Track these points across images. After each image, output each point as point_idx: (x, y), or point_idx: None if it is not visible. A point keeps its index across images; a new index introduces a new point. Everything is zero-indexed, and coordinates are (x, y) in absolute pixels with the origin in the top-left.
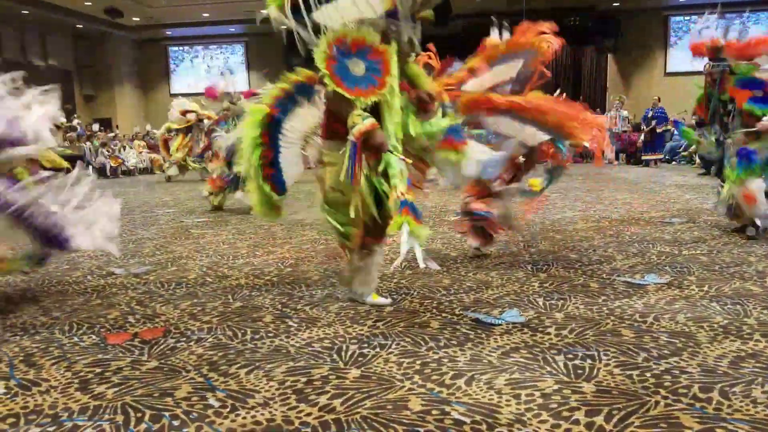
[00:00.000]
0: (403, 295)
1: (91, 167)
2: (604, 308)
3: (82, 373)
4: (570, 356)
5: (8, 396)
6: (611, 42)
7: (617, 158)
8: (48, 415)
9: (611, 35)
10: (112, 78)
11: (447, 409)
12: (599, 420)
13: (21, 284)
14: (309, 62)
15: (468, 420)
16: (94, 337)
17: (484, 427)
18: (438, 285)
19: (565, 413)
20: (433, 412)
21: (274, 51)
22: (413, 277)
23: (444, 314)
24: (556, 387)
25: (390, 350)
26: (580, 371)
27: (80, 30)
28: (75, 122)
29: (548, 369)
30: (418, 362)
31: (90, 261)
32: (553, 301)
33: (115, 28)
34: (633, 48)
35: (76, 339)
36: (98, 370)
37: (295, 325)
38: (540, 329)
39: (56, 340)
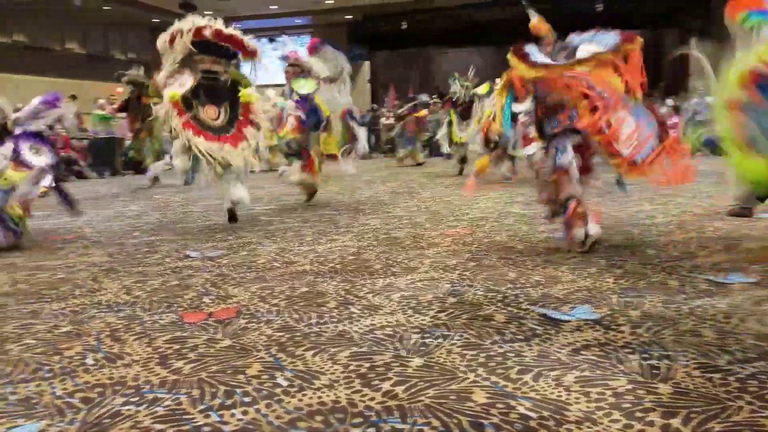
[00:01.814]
0: (467, 287)
1: (168, 156)
2: (684, 307)
3: (161, 349)
4: (645, 356)
5: (96, 367)
6: (698, 23)
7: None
8: (131, 386)
9: (699, 15)
10: None
11: (512, 403)
12: (676, 422)
13: (106, 265)
14: (370, 54)
15: (534, 415)
16: (172, 315)
17: (551, 423)
18: (503, 278)
19: (639, 414)
20: (498, 405)
21: (338, 42)
22: (476, 268)
23: (510, 308)
24: (629, 386)
25: (453, 341)
26: (655, 371)
27: (157, 24)
28: None
29: (621, 368)
30: (482, 355)
31: (168, 244)
32: (628, 299)
33: None
34: (724, 29)
35: (156, 317)
36: (176, 346)
37: (358, 311)
38: (613, 327)
39: (138, 317)
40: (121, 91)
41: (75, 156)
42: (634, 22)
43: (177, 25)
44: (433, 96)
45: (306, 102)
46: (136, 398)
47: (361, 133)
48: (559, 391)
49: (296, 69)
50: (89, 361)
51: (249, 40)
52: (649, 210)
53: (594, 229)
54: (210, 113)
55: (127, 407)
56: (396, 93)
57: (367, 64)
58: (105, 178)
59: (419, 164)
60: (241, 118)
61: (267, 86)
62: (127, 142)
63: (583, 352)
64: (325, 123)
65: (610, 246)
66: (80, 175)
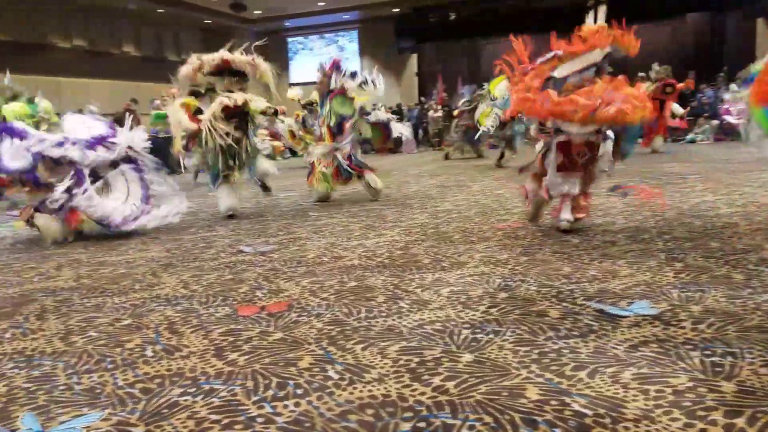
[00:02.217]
0: (519, 282)
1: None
2: (750, 302)
3: (217, 341)
4: (707, 352)
5: (155, 359)
6: (763, 3)
7: None
8: (188, 377)
9: None
10: None
11: (567, 400)
12: (740, 422)
13: (164, 260)
14: (418, 46)
15: (590, 413)
16: (227, 308)
17: (607, 421)
18: (557, 273)
19: (700, 413)
20: (552, 402)
21: (385, 36)
22: (529, 263)
23: (564, 303)
24: (690, 384)
25: (505, 337)
26: (718, 369)
27: (209, 25)
28: None
29: (682, 365)
30: (536, 351)
31: (222, 240)
32: (689, 293)
33: (239, 22)
34: None
35: (211, 310)
36: (231, 338)
37: (407, 306)
38: (673, 323)
39: (194, 310)
40: (175, 91)
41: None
42: (693, 5)
43: (196, 59)
44: (483, 87)
45: (343, 120)
46: (193, 389)
47: (399, 127)
48: (615, 389)
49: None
50: (149, 352)
51: (260, 62)
52: (712, 200)
53: (566, 215)
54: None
55: (184, 398)
56: (444, 85)
57: (414, 57)
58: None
59: (480, 156)
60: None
61: (299, 84)
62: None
63: (641, 349)
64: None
65: (670, 239)
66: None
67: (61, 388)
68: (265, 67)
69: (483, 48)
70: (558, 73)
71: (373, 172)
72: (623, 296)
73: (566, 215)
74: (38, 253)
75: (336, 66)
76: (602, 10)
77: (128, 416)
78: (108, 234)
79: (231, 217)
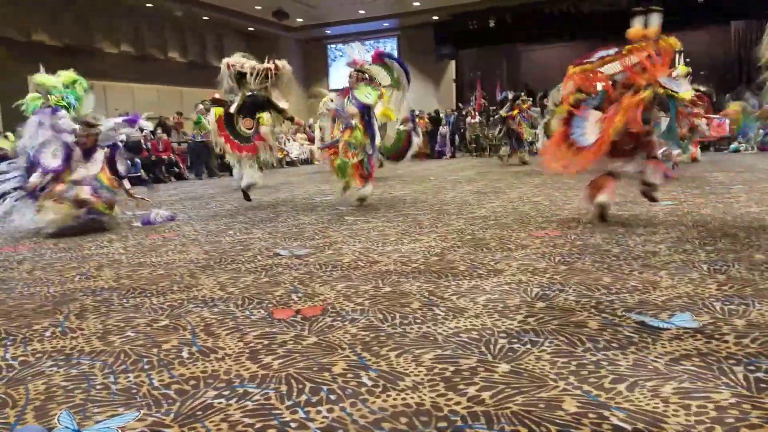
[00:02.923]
0: (557, 292)
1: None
2: None
3: (252, 344)
4: (752, 368)
5: (191, 360)
6: None
7: None
8: (223, 380)
9: None
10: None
11: (605, 413)
12: None
13: (203, 262)
14: (457, 52)
15: (629, 427)
16: (262, 311)
17: None
18: (597, 283)
19: (744, 429)
20: (590, 415)
21: (425, 43)
22: (568, 272)
23: (604, 314)
24: (733, 400)
25: (542, 348)
26: (763, 385)
27: (252, 32)
28: None
29: (724, 380)
30: (574, 363)
31: (259, 243)
32: (733, 306)
33: (282, 29)
34: None
35: (247, 312)
36: (266, 342)
37: (442, 313)
38: (716, 336)
39: (231, 312)
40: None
41: (175, 158)
42: (736, 12)
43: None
44: (522, 93)
45: (365, 110)
46: (228, 392)
47: (417, 138)
48: (655, 403)
49: (361, 75)
50: (185, 354)
51: (283, 64)
52: (757, 211)
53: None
54: (247, 124)
55: (218, 400)
56: (483, 91)
57: (452, 64)
58: (202, 180)
59: (524, 163)
60: (257, 134)
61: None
62: None
63: (682, 362)
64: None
65: (713, 250)
66: (180, 177)
67: (98, 387)
68: (287, 68)
69: (522, 54)
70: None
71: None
72: (664, 308)
73: (653, 178)
74: (80, 252)
75: (379, 56)
76: (656, 16)
77: (163, 417)
78: (148, 234)
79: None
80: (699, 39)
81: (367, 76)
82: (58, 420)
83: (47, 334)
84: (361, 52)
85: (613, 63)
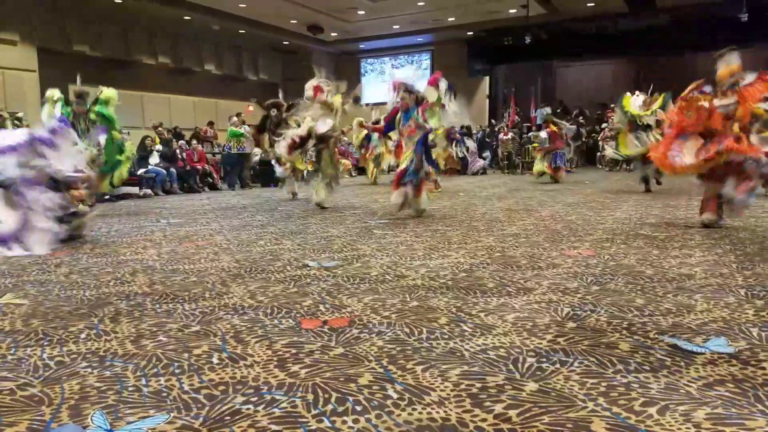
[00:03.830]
0: (588, 312)
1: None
2: None
3: (280, 352)
4: None
5: (220, 366)
6: None
7: None
8: (251, 386)
9: None
10: None
11: None
12: None
13: (234, 270)
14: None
15: None
16: (290, 321)
17: None
18: (630, 304)
19: None
20: None
21: (458, 59)
22: (600, 293)
23: (636, 336)
24: None
25: (572, 368)
26: None
27: (287, 46)
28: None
29: (760, 407)
30: (603, 384)
31: (288, 253)
32: None
33: (316, 44)
34: None
35: (276, 321)
36: (293, 350)
37: (470, 330)
38: (752, 363)
39: (260, 321)
40: (252, 109)
41: (209, 169)
42: None
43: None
44: (558, 110)
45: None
46: (255, 398)
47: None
48: (687, 428)
49: (412, 96)
50: (214, 360)
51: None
52: None
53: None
54: None
55: (246, 406)
56: (516, 107)
57: (486, 80)
58: (235, 190)
59: (557, 182)
60: None
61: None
62: (255, 158)
63: (716, 388)
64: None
65: (752, 275)
66: (213, 187)
67: (130, 389)
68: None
69: (557, 70)
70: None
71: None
72: (699, 332)
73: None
74: (115, 258)
75: (435, 81)
76: (735, 54)
77: (192, 421)
78: (182, 242)
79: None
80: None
81: (416, 96)
82: (91, 419)
83: (82, 336)
84: (405, 73)
85: (726, 99)
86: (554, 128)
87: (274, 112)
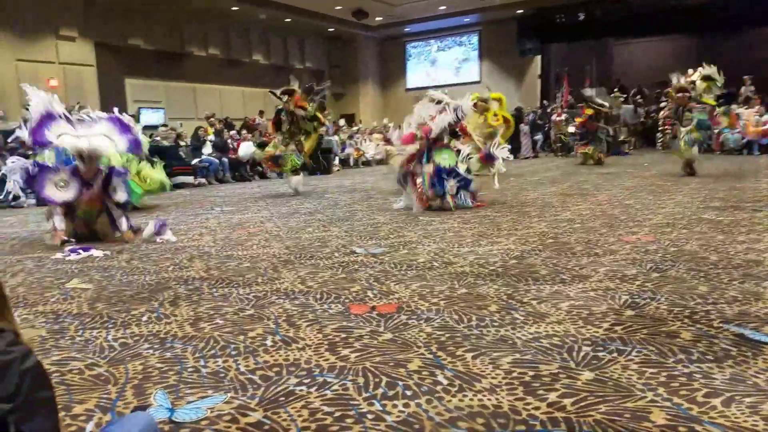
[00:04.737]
0: (648, 300)
1: (337, 158)
2: None
3: (330, 336)
4: None
5: (274, 348)
6: None
7: None
8: (304, 369)
9: None
10: (357, 76)
11: (697, 428)
12: None
13: (284, 257)
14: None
15: None
16: (339, 306)
17: None
18: (692, 291)
19: None
20: (680, 429)
21: (508, 39)
22: (661, 280)
23: (698, 325)
24: None
25: (630, 357)
26: None
27: (332, 33)
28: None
29: None
30: (664, 374)
31: (336, 240)
32: None
33: (361, 29)
34: None
35: (326, 306)
36: (343, 335)
37: (521, 318)
38: None
39: (310, 305)
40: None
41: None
42: None
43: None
44: (614, 90)
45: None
46: (308, 380)
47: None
48: (754, 420)
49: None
50: (268, 342)
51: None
52: None
53: None
54: None
55: (300, 388)
56: (570, 87)
57: (537, 59)
58: (284, 179)
59: (599, 163)
60: None
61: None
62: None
63: None
64: None
65: None
66: (263, 176)
67: (190, 370)
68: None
69: (614, 48)
70: None
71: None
72: (767, 321)
73: None
74: (173, 245)
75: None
76: None
77: (248, 401)
78: (235, 229)
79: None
80: None
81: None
82: (154, 398)
83: (144, 319)
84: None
85: None
86: (589, 111)
87: (285, 98)
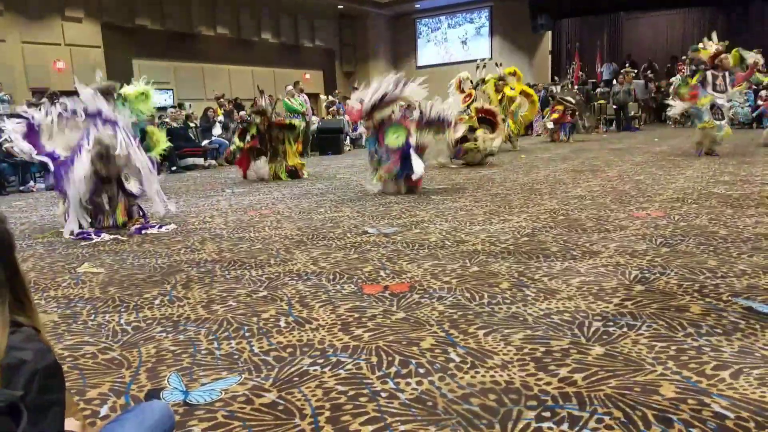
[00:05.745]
0: (657, 275)
1: (348, 138)
2: None
3: (343, 316)
4: None
5: (287, 329)
6: None
7: None
8: (318, 349)
9: None
10: (368, 55)
11: (706, 400)
12: None
13: (296, 238)
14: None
15: (732, 415)
16: (352, 286)
17: (752, 425)
18: (701, 266)
19: None
20: (689, 401)
21: (519, 14)
22: (670, 255)
23: (708, 299)
24: None
25: (640, 332)
26: None
27: (342, 11)
28: (331, 98)
29: None
30: (673, 347)
31: (348, 221)
32: None
33: (372, 6)
34: None
35: (338, 287)
36: (356, 315)
37: (533, 294)
38: None
39: (323, 286)
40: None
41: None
42: None
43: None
44: (626, 64)
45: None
46: (322, 360)
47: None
48: (762, 392)
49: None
50: (282, 323)
51: None
52: None
53: None
54: None
55: (313, 368)
56: (581, 63)
57: (548, 35)
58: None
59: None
60: None
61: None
62: (313, 126)
63: None
64: None
65: None
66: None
67: (203, 352)
68: None
69: (625, 22)
70: None
71: None
72: None
73: None
74: (184, 227)
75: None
76: None
77: (262, 382)
78: (247, 211)
79: None
80: None
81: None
82: (168, 381)
83: (156, 302)
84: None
85: None
86: (560, 107)
87: (258, 119)
